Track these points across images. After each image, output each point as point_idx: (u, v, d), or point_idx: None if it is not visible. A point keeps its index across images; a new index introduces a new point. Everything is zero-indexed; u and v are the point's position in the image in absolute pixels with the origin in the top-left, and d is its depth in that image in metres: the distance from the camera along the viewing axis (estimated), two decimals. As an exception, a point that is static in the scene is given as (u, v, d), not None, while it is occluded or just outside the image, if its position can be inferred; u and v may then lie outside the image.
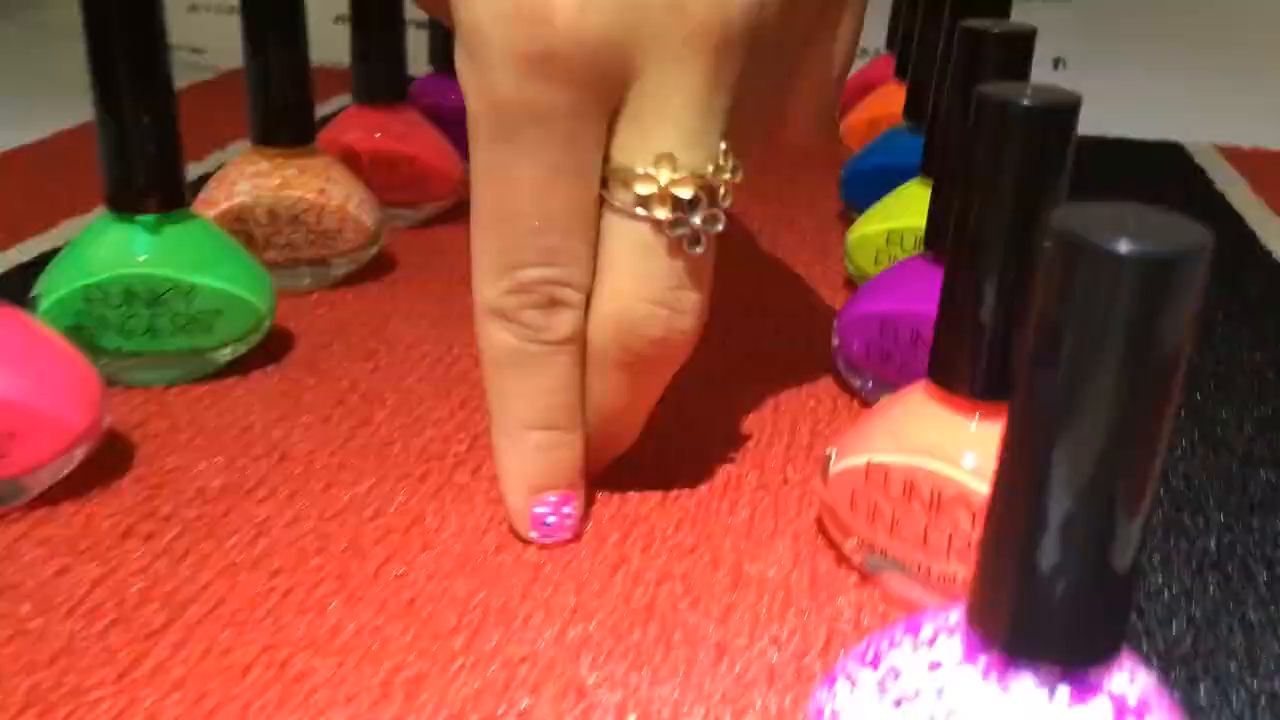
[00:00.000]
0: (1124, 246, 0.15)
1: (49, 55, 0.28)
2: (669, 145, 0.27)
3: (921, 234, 0.37)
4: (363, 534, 0.30)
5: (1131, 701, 0.18)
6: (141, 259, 0.35)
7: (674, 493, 0.32)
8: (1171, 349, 0.16)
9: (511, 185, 0.27)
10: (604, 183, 0.28)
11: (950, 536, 0.26)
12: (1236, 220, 0.57)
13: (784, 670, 0.25)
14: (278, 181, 0.43)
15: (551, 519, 0.30)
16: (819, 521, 0.31)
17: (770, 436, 0.35)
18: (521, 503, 0.30)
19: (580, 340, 0.29)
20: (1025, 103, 0.24)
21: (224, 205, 0.42)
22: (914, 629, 0.20)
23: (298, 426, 0.35)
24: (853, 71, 0.77)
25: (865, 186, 0.49)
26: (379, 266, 0.46)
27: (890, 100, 0.59)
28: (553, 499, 0.30)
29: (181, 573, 0.28)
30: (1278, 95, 0.74)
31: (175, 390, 0.36)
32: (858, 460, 0.28)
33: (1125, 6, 0.75)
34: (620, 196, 0.27)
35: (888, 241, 0.43)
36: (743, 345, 0.41)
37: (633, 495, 0.32)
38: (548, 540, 0.30)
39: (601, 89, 0.27)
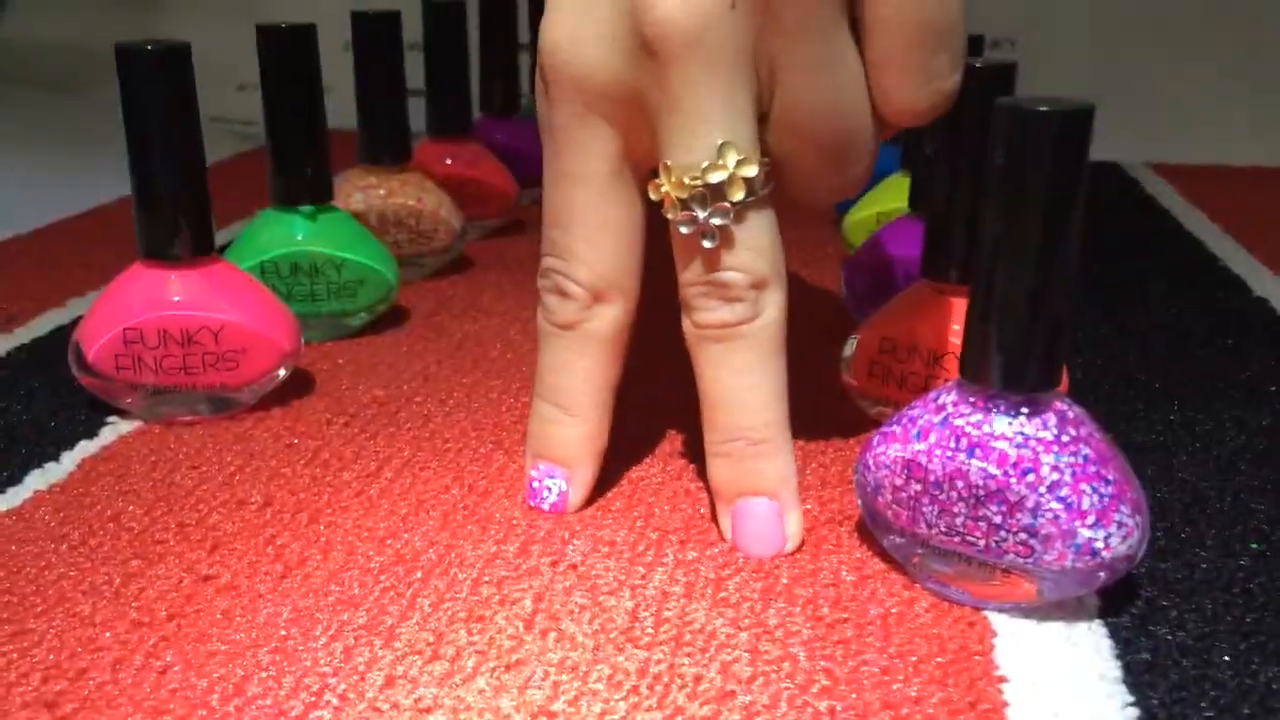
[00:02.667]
0: (1043, 107, 0.25)
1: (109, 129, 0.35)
2: (667, 154, 0.29)
3: (902, 213, 0.47)
4: (502, 416, 0.39)
5: (1071, 415, 0.28)
6: (300, 239, 0.45)
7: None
8: (1077, 173, 0.26)
9: (546, 180, 0.32)
10: None
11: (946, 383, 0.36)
12: (1164, 213, 0.68)
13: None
14: (384, 192, 0.53)
15: (536, 484, 0.33)
16: (845, 399, 0.40)
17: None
18: (526, 462, 0.34)
19: (582, 333, 0.32)
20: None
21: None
22: (923, 401, 0.30)
23: (431, 363, 0.44)
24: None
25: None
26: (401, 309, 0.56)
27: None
28: (542, 467, 0.33)
29: (378, 444, 0.37)
30: (1199, 116, 0.86)
31: (328, 345, 0.46)
32: (873, 338, 0.38)
33: (1070, 52, 0.87)
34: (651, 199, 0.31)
35: (877, 221, 0.54)
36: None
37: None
38: (533, 503, 0.33)
39: (597, 106, 0.30)
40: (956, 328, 0.36)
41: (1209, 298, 0.53)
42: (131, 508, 0.33)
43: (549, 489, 0.33)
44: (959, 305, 0.36)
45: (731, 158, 0.29)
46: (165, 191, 0.37)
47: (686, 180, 0.29)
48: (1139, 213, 0.70)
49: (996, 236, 0.27)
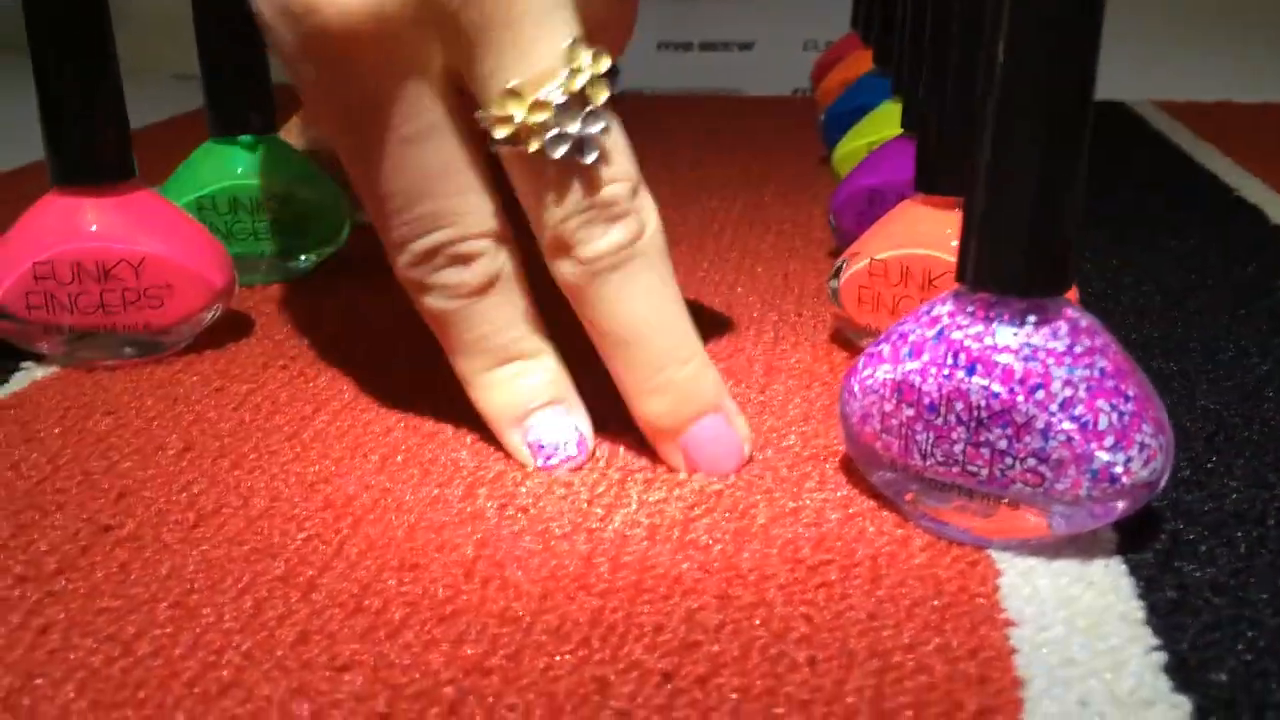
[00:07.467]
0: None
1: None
2: (509, 76, 0.25)
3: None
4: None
5: (1084, 324, 0.24)
6: (240, 172, 0.42)
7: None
8: (1089, 53, 0.22)
9: (371, 168, 0.27)
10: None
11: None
12: (1174, 149, 0.65)
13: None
14: (338, 129, 0.49)
15: (546, 442, 0.29)
16: (834, 332, 0.37)
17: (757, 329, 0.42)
18: (515, 437, 0.29)
19: (505, 274, 0.28)
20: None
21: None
22: (915, 315, 0.26)
23: (374, 306, 0.41)
24: (826, 48, 0.84)
25: (844, 124, 0.56)
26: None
27: (858, 64, 0.66)
28: (539, 421, 0.29)
29: (316, 386, 0.34)
30: (1202, 53, 0.82)
31: (272, 288, 0.43)
32: (862, 263, 0.34)
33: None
34: (494, 141, 0.26)
35: (868, 152, 0.50)
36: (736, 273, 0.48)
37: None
38: (553, 463, 0.28)
39: (410, 49, 0.25)
40: (954, 245, 0.32)
41: (1225, 228, 0.50)
42: (34, 455, 0.30)
43: (564, 434, 0.28)
44: (955, 219, 0.33)
45: (585, 55, 0.26)
46: (73, 107, 0.33)
47: (544, 96, 0.25)
48: (1149, 149, 0.66)
49: (999, 116, 0.23)
